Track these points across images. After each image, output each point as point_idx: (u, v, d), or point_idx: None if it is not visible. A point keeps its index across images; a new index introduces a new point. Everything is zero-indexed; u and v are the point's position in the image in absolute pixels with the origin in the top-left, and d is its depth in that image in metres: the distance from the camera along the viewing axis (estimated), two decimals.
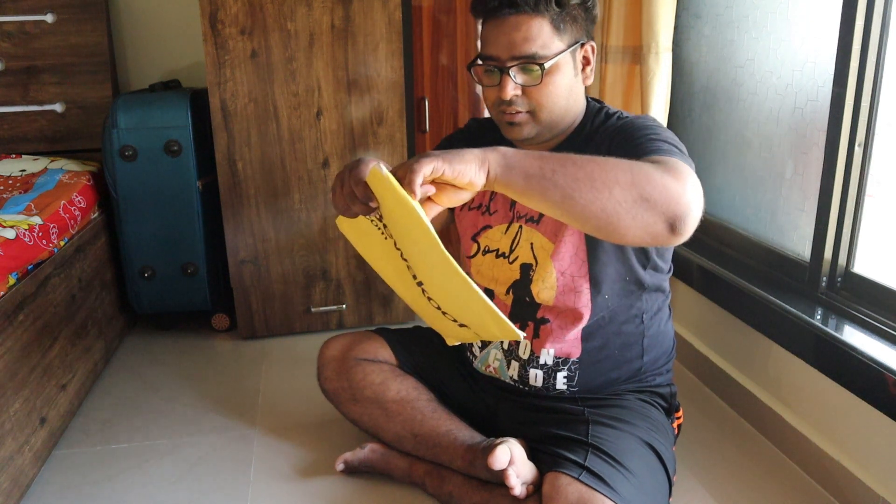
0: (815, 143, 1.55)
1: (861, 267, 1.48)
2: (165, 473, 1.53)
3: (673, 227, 0.88)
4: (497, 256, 1.33)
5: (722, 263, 1.79)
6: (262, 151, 2.03)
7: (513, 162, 0.88)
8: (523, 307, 1.31)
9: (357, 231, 1.04)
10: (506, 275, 1.32)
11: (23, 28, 2.22)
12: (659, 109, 1.85)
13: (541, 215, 1.27)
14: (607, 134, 1.19)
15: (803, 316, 1.46)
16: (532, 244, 1.28)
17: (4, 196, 1.84)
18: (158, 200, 2.04)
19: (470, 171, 0.87)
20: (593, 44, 1.22)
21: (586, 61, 1.21)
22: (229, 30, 1.92)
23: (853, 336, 1.37)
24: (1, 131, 2.26)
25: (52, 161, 2.15)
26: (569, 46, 1.16)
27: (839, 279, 1.50)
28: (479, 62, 1.19)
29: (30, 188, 1.92)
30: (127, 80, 2.43)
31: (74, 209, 1.86)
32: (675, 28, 1.84)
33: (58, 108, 2.25)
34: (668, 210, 0.88)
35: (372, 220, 1.00)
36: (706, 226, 1.97)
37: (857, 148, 1.43)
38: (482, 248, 1.35)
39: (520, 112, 1.18)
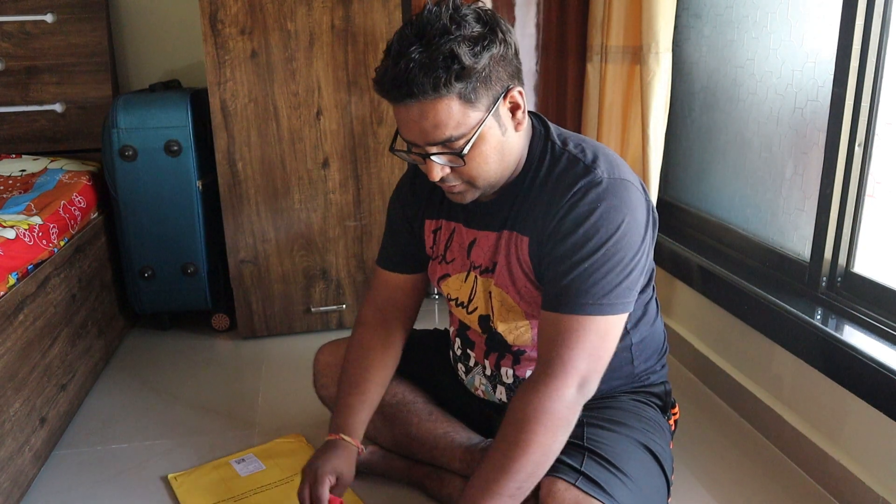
0: (815, 143, 1.55)
1: (861, 267, 1.48)
2: (165, 473, 1.53)
3: None
4: (457, 305, 1.31)
5: (722, 263, 1.78)
6: (262, 151, 2.03)
7: None
8: (497, 342, 1.28)
9: None
10: (468, 319, 1.31)
11: (23, 28, 2.22)
12: (659, 109, 1.85)
13: (494, 265, 1.21)
14: (559, 209, 1.09)
15: (803, 316, 1.46)
16: (490, 293, 1.23)
17: (4, 196, 1.84)
18: (158, 200, 2.04)
19: None
20: (520, 88, 1.07)
21: (515, 106, 1.08)
22: (229, 30, 1.92)
23: (853, 336, 1.37)
24: (1, 131, 2.26)
25: (52, 161, 2.15)
26: (488, 111, 1.03)
27: (839, 279, 1.50)
28: (401, 144, 1.11)
29: (30, 188, 1.92)
30: (127, 80, 2.43)
31: (74, 209, 1.86)
32: (675, 28, 1.84)
33: (58, 108, 2.25)
34: None
35: None
36: (706, 226, 1.97)
37: (857, 148, 1.43)
38: (445, 296, 1.34)
39: (455, 184, 1.12)
